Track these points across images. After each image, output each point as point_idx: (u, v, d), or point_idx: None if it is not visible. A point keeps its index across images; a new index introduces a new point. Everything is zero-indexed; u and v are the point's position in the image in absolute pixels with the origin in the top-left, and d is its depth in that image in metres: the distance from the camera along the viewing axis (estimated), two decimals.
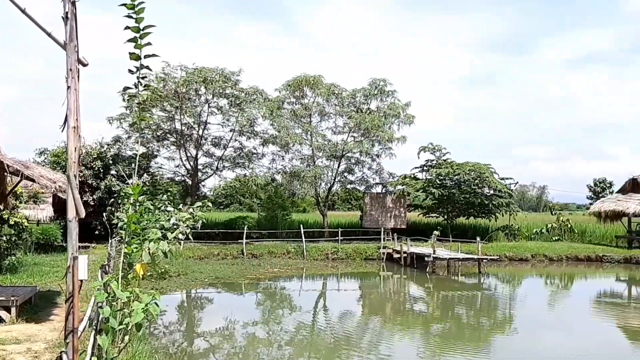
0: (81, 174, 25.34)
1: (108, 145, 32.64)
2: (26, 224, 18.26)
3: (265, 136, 35.27)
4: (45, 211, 25.96)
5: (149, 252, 6.44)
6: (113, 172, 30.43)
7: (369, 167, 37.40)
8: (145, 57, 5.75)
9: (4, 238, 16.76)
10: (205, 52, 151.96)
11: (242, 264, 26.73)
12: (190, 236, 7.91)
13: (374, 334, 14.23)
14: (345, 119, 35.99)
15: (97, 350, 6.60)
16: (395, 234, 31.91)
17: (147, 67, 5.86)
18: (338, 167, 36.54)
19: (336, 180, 36.96)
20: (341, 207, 67.22)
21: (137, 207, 6.63)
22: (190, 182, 34.98)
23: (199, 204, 8.43)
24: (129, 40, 5.64)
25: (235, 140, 35.20)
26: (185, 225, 7.80)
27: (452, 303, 19.03)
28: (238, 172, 36.30)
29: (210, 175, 35.94)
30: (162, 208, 7.81)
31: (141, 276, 6.46)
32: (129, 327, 5.93)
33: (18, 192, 17.32)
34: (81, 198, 5.25)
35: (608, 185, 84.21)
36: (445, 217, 36.28)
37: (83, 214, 5.07)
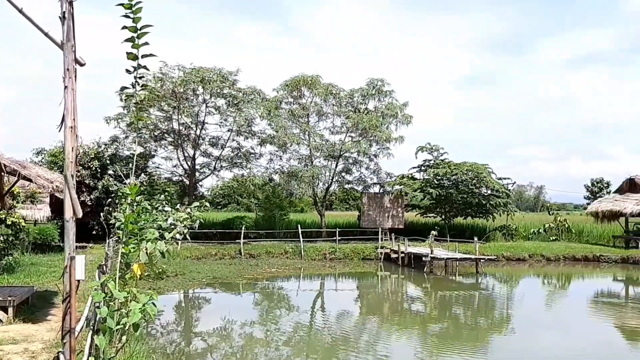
0: (78, 174, 25.32)
1: (105, 145, 32.59)
2: (23, 223, 18.24)
3: (263, 136, 35.24)
4: (42, 211, 25.97)
5: (147, 252, 6.43)
6: (110, 172, 30.38)
7: (367, 167, 37.45)
8: (142, 56, 5.75)
9: (1, 238, 16.72)
10: (206, 52, 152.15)
11: (239, 264, 26.72)
12: (187, 236, 7.91)
13: (372, 334, 14.24)
14: (343, 119, 35.99)
15: (95, 351, 6.59)
16: (393, 234, 31.96)
17: (145, 67, 5.86)
18: (336, 167, 36.54)
19: (334, 180, 36.97)
20: (339, 207, 67.30)
21: (135, 207, 6.62)
22: (187, 182, 34.94)
23: (196, 204, 8.42)
24: (126, 40, 5.64)
25: (233, 140, 35.18)
26: (183, 225, 7.79)
27: (450, 303, 19.05)
28: (236, 172, 36.26)
29: (207, 175, 35.89)
30: (160, 208, 7.79)
31: (139, 276, 6.45)
32: (127, 327, 5.92)
33: (15, 192, 17.32)
34: (78, 198, 5.24)
35: (605, 185, 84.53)
36: (443, 217, 36.32)
37: (80, 214, 5.06)
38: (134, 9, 5.45)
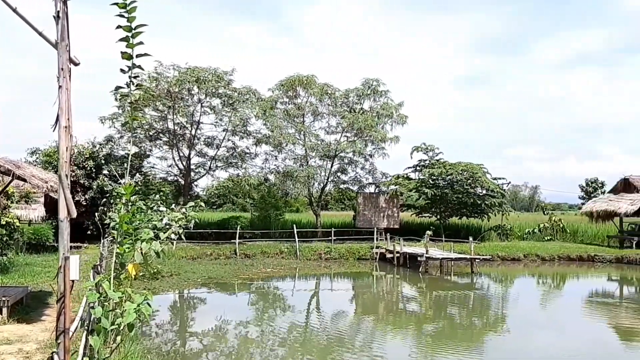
0: (73, 174, 25.21)
1: (100, 144, 32.51)
2: (18, 224, 18.16)
3: (258, 136, 35.22)
4: (36, 211, 25.83)
5: (141, 252, 6.43)
6: (105, 171, 30.30)
7: (362, 167, 37.51)
8: (137, 56, 5.74)
9: None
10: (203, 52, 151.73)
11: (234, 264, 26.67)
12: (182, 236, 7.90)
13: (367, 333, 14.25)
14: (339, 118, 36.02)
15: (89, 351, 6.57)
16: (388, 233, 31.98)
17: (139, 67, 5.85)
18: (331, 167, 36.57)
19: (329, 180, 37.00)
20: (334, 207, 67.26)
21: (130, 207, 6.61)
22: (183, 182, 34.88)
23: (191, 204, 8.43)
24: (121, 40, 5.63)
25: (228, 140, 35.16)
26: (178, 225, 7.79)
27: (445, 303, 19.09)
28: (231, 172, 36.26)
29: (203, 175, 35.86)
30: (155, 208, 7.80)
31: (133, 276, 6.44)
32: (121, 328, 5.91)
33: (9, 192, 17.22)
34: (73, 198, 5.23)
35: (600, 185, 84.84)
36: (438, 217, 36.40)
37: (75, 214, 5.04)
38: (128, 8, 5.44)
